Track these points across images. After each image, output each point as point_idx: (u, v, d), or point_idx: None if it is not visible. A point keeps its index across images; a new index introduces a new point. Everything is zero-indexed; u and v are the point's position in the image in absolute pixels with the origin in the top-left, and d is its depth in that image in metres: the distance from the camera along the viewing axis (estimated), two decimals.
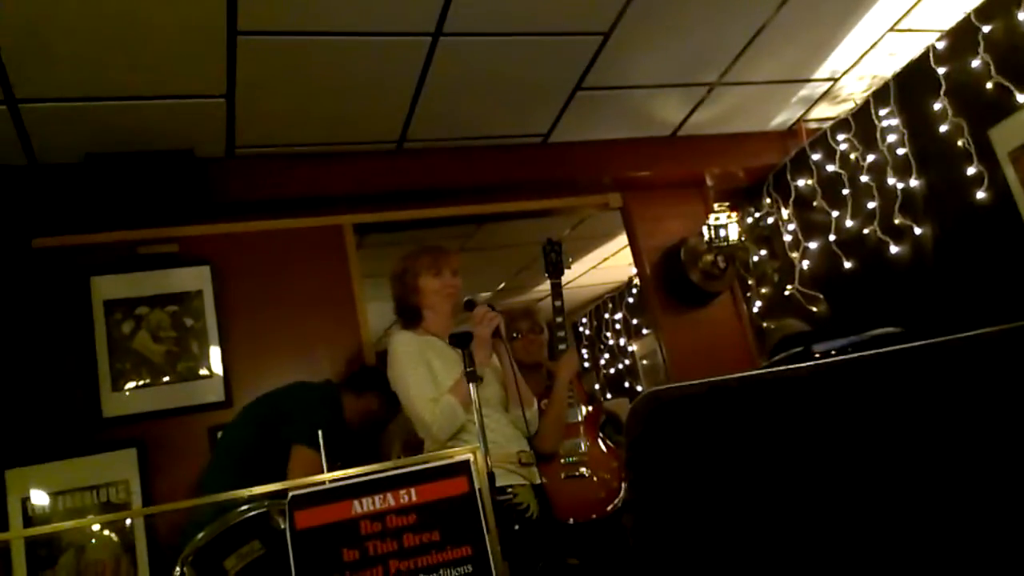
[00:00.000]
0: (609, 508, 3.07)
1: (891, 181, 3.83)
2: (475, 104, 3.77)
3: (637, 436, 0.91)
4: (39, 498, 3.19)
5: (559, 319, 3.35)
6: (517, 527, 2.62)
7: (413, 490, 1.84)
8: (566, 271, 3.50)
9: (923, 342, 1.05)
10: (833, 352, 2.90)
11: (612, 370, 7.86)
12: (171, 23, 2.80)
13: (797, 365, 0.95)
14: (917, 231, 3.72)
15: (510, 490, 2.67)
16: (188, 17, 2.79)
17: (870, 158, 3.95)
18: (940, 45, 3.56)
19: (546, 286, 3.50)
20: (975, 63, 3.39)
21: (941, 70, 3.54)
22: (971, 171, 3.43)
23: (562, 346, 3.31)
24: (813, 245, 4.36)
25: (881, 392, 0.95)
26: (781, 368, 0.92)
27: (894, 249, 3.84)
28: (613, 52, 3.54)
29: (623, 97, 4.00)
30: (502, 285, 6.83)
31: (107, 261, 3.53)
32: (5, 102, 2.98)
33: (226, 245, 3.73)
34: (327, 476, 1.87)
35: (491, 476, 2.03)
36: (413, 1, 2.96)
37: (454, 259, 3.04)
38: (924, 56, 3.63)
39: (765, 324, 4.57)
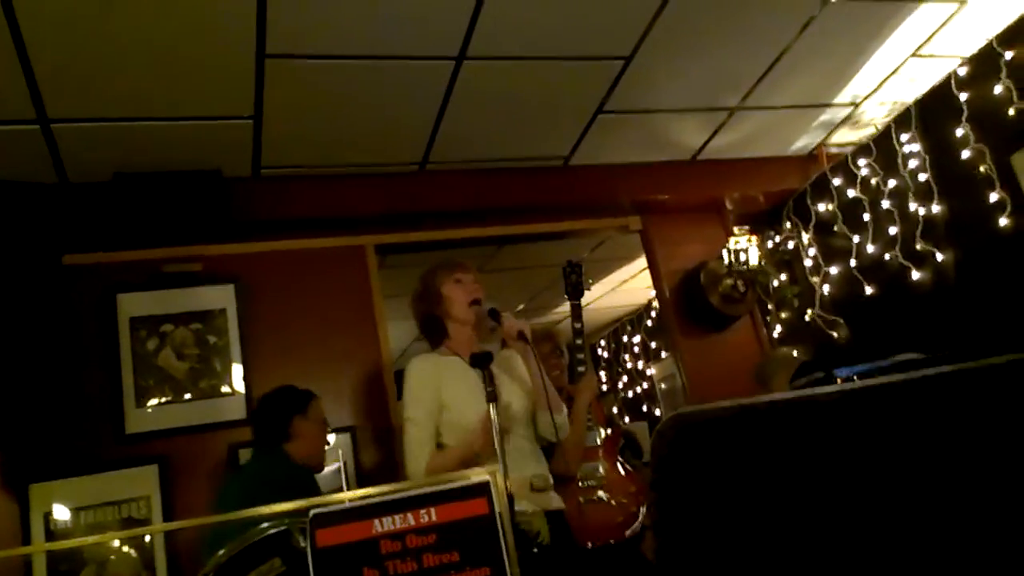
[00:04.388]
0: (627, 532, 3.06)
1: (913, 207, 3.82)
2: (497, 127, 3.81)
3: (662, 457, 0.92)
4: (61, 513, 3.22)
5: (579, 341, 3.35)
6: (526, 552, 2.59)
7: (433, 510, 1.83)
8: (585, 292, 3.50)
9: (949, 368, 1.05)
10: (855, 378, 2.88)
11: (630, 393, 7.83)
12: (201, 46, 2.86)
13: (825, 389, 0.96)
14: (939, 257, 3.71)
15: (520, 516, 2.63)
16: (218, 40, 2.85)
17: (891, 183, 3.95)
18: (962, 71, 3.56)
19: (565, 308, 3.50)
20: (997, 89, 3.39)
21: (963, 96, 3.54)
22: (994, 197, 3.41)
23: (581, 368, 3.31)
24: (834, 270, 4.35)
25: (907, 417, 0.95)
26: (810, 391, 0.93)
27: (916, 275, 3.82)
28: (634, 76, 3.57)
29: (644, 121, 4.02)
30: (521, 306, 6.84)
31: (133, 279, 3.59)
32: (38, 122, 3.05)
33: (250, 264, 3.77)
34: (348, 495, 1.88)
35: (511, 498, 2.03)
36: (437, 25, 3.01)
37: (471, 269, 2.98)
38: (946, 82, 3.64)
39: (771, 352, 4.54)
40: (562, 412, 2.82)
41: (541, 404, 2.75)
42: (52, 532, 3.18)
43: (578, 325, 3.37)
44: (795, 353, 4.01)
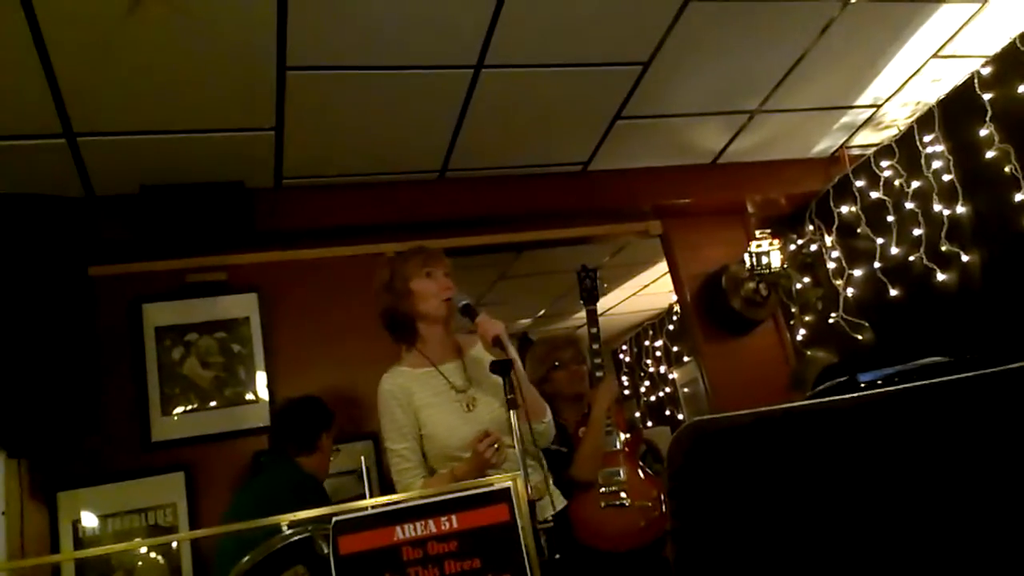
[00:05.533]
0: (649, 537, 3.04)
1: (937, 208, 3.77)
2: (516, 134, 3.82)
3: (680, 466, 0.92)
4: (89, 520, 3.27)
5: (595, 346, 3.35)
6: None
7: (454, 517, 1.84)
8: (601, 297, 3.48)
9: (970, 373, 1.04)
10: (879, 382, 2.85)
11: (653, 398, 7.80)
12: (223, 59, 2.90)
13: (841, 396, 0.95)
14: (964, 258, 3.66)
15: None
16: (239, 54, 2.89)
17: (915, 184, 3.91)
18: (985, 71, 3.52)
19: (584, 314, 3.49)
20: (1022, 88, 3.34)
21: (987, 96, 3.50)
22: (1019, 197, 3.37)
23: (599, 373, 3.30)
24: (858, 272, 4.31)
25: (926, 425, 0.95)
26: (826, 400, 0.92)
27: (941, 276, 3.78)
28: (653, 81, 3.57)
29: (663, 125, 4.02)
30: (541, 312, 6.85)
31: (158, 289, 3.63)
32: (64, 136, 3.11)
33: (272, 273, 3.81)
34: (369, 502, 1.89)
35: (532, 504, 2.02)
36: (456, 35, 3.03)
37: (445, 260, 2.69)
38: (969, 82, 3.60)
39: (808, 354, 4.51)
40: (542, 420, 2.55)
41: (520, 415, 2.37)
42: (80, 539, 3.23)
43: (594, 330, 3.36)
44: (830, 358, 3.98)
